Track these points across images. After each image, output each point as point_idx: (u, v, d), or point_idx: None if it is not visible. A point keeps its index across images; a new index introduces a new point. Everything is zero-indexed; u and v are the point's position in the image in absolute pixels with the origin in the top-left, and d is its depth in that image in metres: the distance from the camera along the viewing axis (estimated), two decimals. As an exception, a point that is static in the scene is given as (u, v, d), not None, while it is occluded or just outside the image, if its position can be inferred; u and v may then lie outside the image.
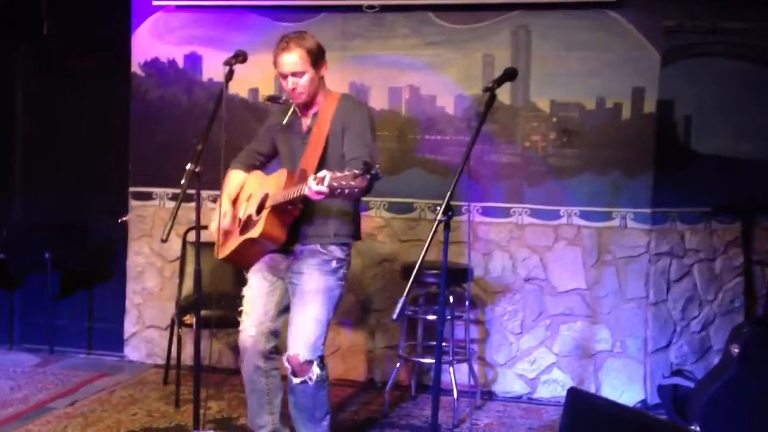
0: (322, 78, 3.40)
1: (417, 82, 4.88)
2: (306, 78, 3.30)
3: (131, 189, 5.30)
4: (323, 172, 2.84)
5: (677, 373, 4.56)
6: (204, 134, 3.18)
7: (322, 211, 3.34)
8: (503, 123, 4.78)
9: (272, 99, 3.32)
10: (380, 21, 4.90)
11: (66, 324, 5.74)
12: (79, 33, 5.61)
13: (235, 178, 3.53)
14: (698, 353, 4.75)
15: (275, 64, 3.34)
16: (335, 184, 2.80)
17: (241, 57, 3.29)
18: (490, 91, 3.10)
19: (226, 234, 3.46)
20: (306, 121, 3.43)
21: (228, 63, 3.25)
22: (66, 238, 5.64)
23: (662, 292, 4.71)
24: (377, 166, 2.79)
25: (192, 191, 3.18)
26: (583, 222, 4.73)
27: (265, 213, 3.25)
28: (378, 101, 4.91)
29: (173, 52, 5.17)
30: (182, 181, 3.04)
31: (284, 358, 3.35)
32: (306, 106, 3.41)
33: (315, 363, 3.31)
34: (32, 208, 5.87)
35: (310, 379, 3.30)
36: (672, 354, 4.73)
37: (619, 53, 4.63)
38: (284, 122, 3.48)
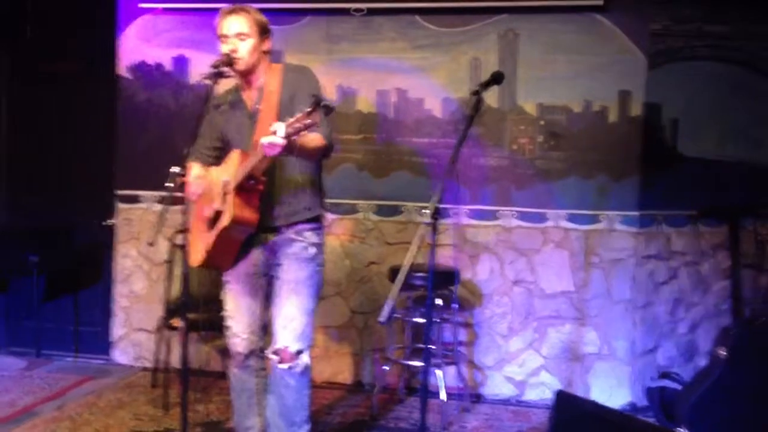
0: (265, 54, 3.26)
1: (405, 85, 4.88)
2: (249, 43, 3.18)
3: (118, 192, 5.28)
4: (275, 124, 2.75)
5: (665, 375, 4.57)
6: (192, 137, 3.16)
7: (289, 184, 3.25)
8: (491, 126, 4.79)
9: (214, 77, 3.13)
10: (368, 24, 4.91)
11: (53, 327, 5.70)
12: (62, 36, 5.58)
13: (194, 173, 3.28)
14: (685, 356, 4.78)
15: (218, 26, 3.21)
16: (290, 129, 2.71)
17: (227, 60, 3.16)
18: (477, 94, 3.10)
19: (195, 239, 3.31)
20: (251, 99, 3.29)
21: (215, 66, 3.14)
22: (52, 241, 5.61)
23: (649, 294, 4.73)
24: (328, 98, 2.71)
25: (179, 194, 3.14)
26: (570, 225, 4.74)
27: (230, 197, 3.12)
28: (366, 104, 4.91)
29: (160, 54, 5.16)
30: (167, 184, 3.01)
31: (269, 351, 3.30)
32: (246, 79, 3.27)
33: (305, 352, 3.27)
34: (17, 212, 5.83)
35: (297, 365, 3.24)
36: (659, 356, 4.75)
37: (605, 56, 4.65)
38: (225, 104, 3.34)
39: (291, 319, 3.25)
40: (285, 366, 3.25)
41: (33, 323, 5.58)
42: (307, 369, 3.29)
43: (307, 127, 2.72)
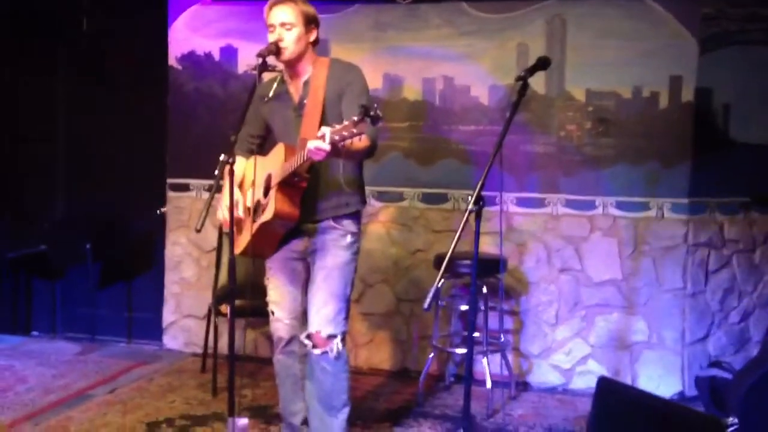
0: (311, 44, 3.28)
1: (451, 73, 4.86)
2: (295, 32, 3.20)
3: (169, 181, 5.38)
4: (323, 129, 2.77)
5: (715, 364, 4.49)
6: (238, 125, 3.19)
7: (331, 182, 3.28)
8: (538, 113, 4.75)
9: (260, 67, 3.16)
10: (414, 12, 4.90)
11: (106, 314, 5.84)
12: (117, 28, 5.69)
13: (238, 164, 3.31)
14: (737, 345, 4.69)
15: (266, 16, 3.24)
16: (337, 137, 2.73)
17: (274, 48, 3.20)
18: (523, 80, 3.06)
19: (238, 226, 3.35)
20: (297, 91, 3.33)
21: (261, 55, 3.15)
22: (106, 229, 5.73)
23: (700, 283, 4.65)
24: (375, 105, 2.71)
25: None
26: (619, 212, 4.68)
27: (273, 192, 3.17)
28: (412, 92, 4.91)
29: (209, 44, 5.22)
30: (216, 172, 3.05)
31: (303, 336, 3.33)
32: (293, 70, 3.30)
33: (338, 337, 3.28)
34: (73, 201, 5.97)
35: (331, 350, 3.25)
36: (710, 345, 4.68)
37: (656, 42, 4.57)
38: (270, 95, 3.37)
39: (324, 303, 3.27)
40: (318, 351, 3.28)
41: (88, 310, 5.72)
42: (341, 354, 3.30)
43: (353, 136, 2.75)
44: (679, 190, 4.59)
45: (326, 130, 2.76)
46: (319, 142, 2.77)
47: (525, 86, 3.07)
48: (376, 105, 2.74)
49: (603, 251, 4.72)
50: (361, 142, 2.96)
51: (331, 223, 3.31)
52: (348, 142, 2.78)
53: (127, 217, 5.75)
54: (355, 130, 2.73)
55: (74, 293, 5.91)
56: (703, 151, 4.57)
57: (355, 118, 2.71)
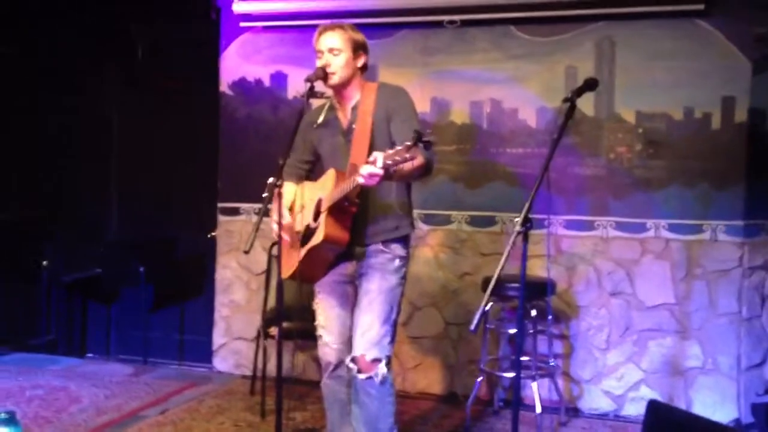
0: (359, 69, 3.32)
1: (498, 96, 4.87)
2: (342, 58, 3.24)
3: (219, 204, 5.45)
4: (374, 154, 2.78)
5: (772, 391, 4.40)
6: (286, 149, 3.23)
7: (381, 206, 3.29)
8: (587, 135, 4.72)
9: (310, 93, 3.21)
10: (461, 36, 4.92)
11: (159, 336, 5.94)
12: (170, 56, 5.83)
13: (288, 189, 3.41)
14: (795, 371, 4.57)
15: (315, 42, 3.29)
16: (389, 161, 2.74)
17: (321, 74, 3.25)
18: (570, 101, 3.05)
19: (287, 250, 3.38)
20: (345, 117, 3.36)
21: (308, 79, 3.21)
22: (158, 253, 5.84)
23: (756, 307, 4.54)
24: (428, 131, 2.72)
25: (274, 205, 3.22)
26: (671, 235, 4.61)
27: (323, 216, 3.19)
28: (459, 115, 4.92)
29: (259, 71, 5.31)
30: (264, 194, 3.10)
31: (348, 360, 3.32)
32: (341, 96, 3.34)
33: (383, 362, 3.25)
34: (127, 224, 6.11)
35: (376, 375, 3.23)
36: (767, 371, 4.55)
37: (707, 62, 4.51)
38: (320, 121, 3.40)
39: (369, 327, 3.26)
40: (363, 376, 3.26)
41: (140, 332, 5.81)
42: (386, 378, 3.27)
43: (405, 161, 2.76)
44: (734, 212, 4.50)
45: (378, 155, 2.77)
46: (371, 167, 2.80)
47: (572, 108, 3.06)
48: (429, 130, 2.76)
49: (655, 275, 4.64)
50: (414, 164, 2.97)
51: (380, 246, 3.31)
52: (403, 167, 2.79)
53: (179, 240, 5.85)
54: (407, 155, 2.74)
55: (128, 316, 6.02)
56: (757, 172, 4.48)
57: (409, 143, 2.73)
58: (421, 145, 2.72)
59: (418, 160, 2.99)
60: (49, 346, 5.97)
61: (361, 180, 2.87)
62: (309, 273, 3.38)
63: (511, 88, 4.83)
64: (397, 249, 3.34)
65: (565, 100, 3.06)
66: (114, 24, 5.88)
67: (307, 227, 3.32)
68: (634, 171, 4.66)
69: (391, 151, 2.76)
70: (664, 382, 4.63)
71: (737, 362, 4.52)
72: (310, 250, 3.26)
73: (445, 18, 4.90)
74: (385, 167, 2.77)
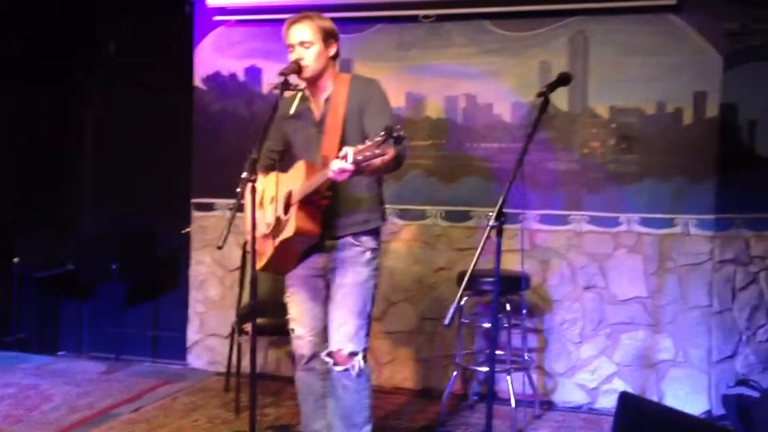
0: (331, 59, 3.30)
1: (474, 91, 4.87)
2: (314, 49, 3.22)
3: (193, 200, 5.41)
4: (345, 149, 2.78)
5: (742, 382, 4.44)
6: (259, 143, 3.21)
7: (352, 200, 3.29)
8: (561, 130, 4.74)
9: (282, 86, 3.19)
10: (437, 31, 4.91)
11: (132, 333, 5.89)
12: (143, 51, 5.78)
13: (258, 182, 3.35)
14: (765, 363, 4.60)
15: (285, 37, 3.27)
16: (359, 157, 2.74)
17: (296, 67, 3.22)
18: (544, 95, 3.06)
19: (259, 243, 3.37)
20: (318, 108, 3.34)
21: (283, 73, 3.20)
22: (133, 249, 5.79)
23: (727, 300, 4.59)
24: (398, 126, 2.71)
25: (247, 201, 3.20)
26: (643, 229, 4.65)
27: (293, 209, 3.18)
28: (435, 110, 4.92)
29: (234, 65, 5.28)
30: (238, 189, 3.08)
31: (324, 354, 3.32)
32: (314, 87, 3.32)
33: (359, 354, 3.26)
34: (101, 219, 6.06)
35: (353, 368, 3.23)
36: (738, 364, 4.60)
37: (679, 57, 4.55)
38: (291, 112, 3.37)
39: (344, 321, 3.26)
40: (340, 368, 3.27)
41: (114, 329, 5.76)
42: (363, 371, 3.28)
43: (375, 157, 2.76)
44: (705, 207, 4.54)
45: (349, 151, 2.77)
46: (341, 162, 2.79)
47: (546, 102, 3.07)
48: (399, 126, 2.75)
49: (628, 268, 4.68)
50: (385, 158, 2.96)
51: (351, 240, 3.31)
52: (374, 162, 2.79)
53: (153, 236, 5.80)
54: (377, 151, 2.74)
55: (101, 312, 5.97)
56: (728, 167, 4.52)
57: (378, 139, 2.73)
58: (391, 140, 2.72)
59: (389, 155, 2.99)
60: (21, 343, 5.90)
61: (331, 175, 2.87)
62: (281, 264, 3.39)
63: (486, 82, 4.84)
64: (368, 241, 3.34)
65: (539, 94, 3.08)
66: (87, 17, 5.82)
67: (278, 219, 3.30)
68: (608, 165, 4.69)
69: (361, 147, 2.76)
70: (637, 374, 4.67)
71: (708, 355, 4.57)
72: (282, 242, 3.25)
73: (421, 13, 4.89)
74: (356, 163, 2.77)
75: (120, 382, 5.08)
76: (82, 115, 6.05)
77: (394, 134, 2.71)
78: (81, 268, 5.78)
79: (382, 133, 2.72)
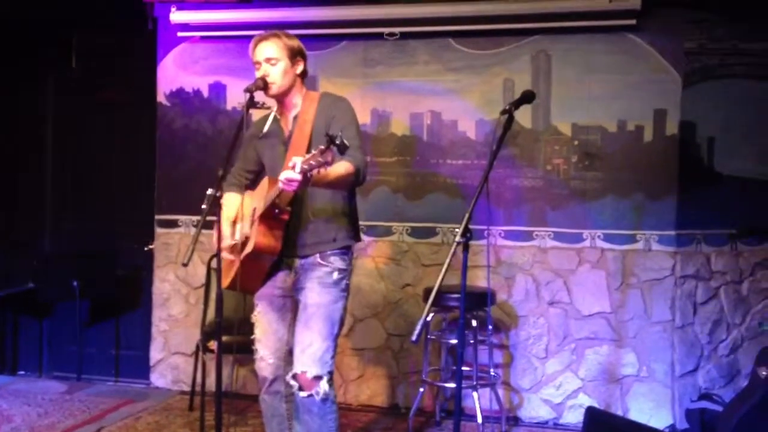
0: (299, 77, 3.32)
1: (438, 108, 4.91)
2: (280, 66, 3.23)
3: (157, 217, 5.37)
4: (293, 159, 2.78)
5: (705, 397, 4.50)
6: (225, 160, 3.20)
7: (316, 214, 3.27)
8: (525, 147, 4.79)
9: (250, 103, 3.20)
10: (402, 48, 4.95)
11: (94, 352, 5.79)
12: (106, 67, 5.72)
13: (231, 200, 3.39)
14: (727, 377, 4.68)
15: (251, 54, 3.28)
16: (305, 166, 2.73)
17: (261, 84, 3.22)
18: (508, 113, 3.09)
19: (227, 262, 3.35)
20: (287, 126, 3.35)
21: (248, 90, 3.17)
22: (94, 266, 5.69)
23: (689, 315, 4.66)
24: (340, 134, 2.72)
25: (214, 217, 3.19)
26: (606, 245, 4.70)
27: (255, 225, 3.18)
28: (400, 127, 4.95)
29: (198, 81, 5.26)
30: (203, 206, 3.06)
31: (289, 377, 3.27)
32: (282, 105, 3.33)
33: (324, 378, 3.21)
34: (61, 237, 5.95)
35: (317, 393, 3.18)
36: (700, 378, 4.67)
37: (639, 76, 4.63)
38: (264, 130, 3.37)
39: (309, 343, 3.21)
40: (304, 394, 3.21)
41: (75, 348, 5.66)
42: (327, 395, 3.22)
43: (321, 165, 2.75)
44: (666, 223, 4.62)
45: (297, 160, 2.77)
46: (289, 172, 2.79)
47: (510, 119, 3.10)
48: (340, 134, 2.75)
49: (591, 284, 4.73)
50: (339, 170, 2.98)
51: (318, 259, 3.28)
52: (320, 171, 2.79)
53: (115, 253, 5.72)
54: (321, 159, 2.73)
55: (61, 331, 5.86)
56: (688, 183, 4.60)
57: (322, 147, 2.73)
58: (334, 148, 2.72)
59: (345, 167, 3.01)
60: (-21, 363, 5.78)
61: (280, 185, 2.86)
62: (247, 282, 3.34)
63: (451, 100, 4.88)
64: (336, 261, 3.30)
65: (503, 112, 3.11)
66: (48, 31, 5.75)
67: (245, 237, 3.29)
68: (571, 182, 4.74)
69: (307, 156, 2.76)
70: (602, 389, 4.71)
71: (671, 369, 4.63)
72: (244, 258, 3.24)
73: (386, 30, 4.92)
74: (302, 172, 2.76)
75: (82, 402, 4.99)
76: (42, 130, 5.96)
77: (337, 141, 2.71)
78: (41, 285, 5.67)
79: (325, 141, 2.72)
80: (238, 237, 3.33)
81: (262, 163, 3.48)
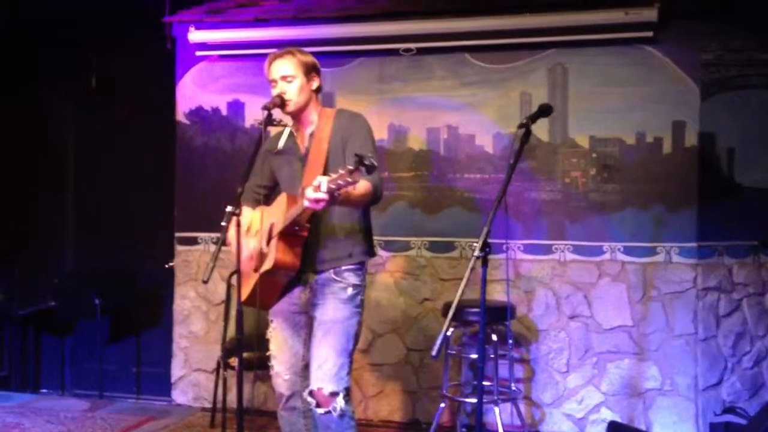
0: (314, 93, 3.33)
1: (455, 122, 4.91)
2: (296, 84, 3.25)
3: (177, 234, 5.39)
4: (318, 178, 2.78)
5: (729, 410, 4.45)
6: (244, 177, 3.22)
7: (334, 231, 3.28)
8: (542, 160, 4.78)
9: (268, 121, 3.21)
10: (418, 63, 4.96)
11: (115, 369, 5.83)
12: (125, 86, 5.79)
13: (244, 214, 3.33)
14: (751, 390, 4.63)
15: (267, 72, 3.30)
16: (332, 185, 2.73)
17: (279, 101, 3.24)
18: (525, 127, 3.10)
19: (244, 277, 3.33)
20: (303, 143, 3.36)
21: (266, 107, 3.19)
22: (115, 284, 5.74)
23: (711, 327, 4.62)
24: (369, 155, 2.70)
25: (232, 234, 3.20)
26: (626, 257, 4.68)
27: (273, 241, 3.18)
28: (417, 142, 4.96)
29: (216, 100, 5.30)
30: (222, 223, 3.08)
31: (306, 393, 3.27)
32: (299, 121, 3.35)
33: (340, 395, 3.20)
34: (82, 255, 6.01)
35: (334, 410, 3.17)
36: (724, 391, 4.62)
37: (657, 88, 4.62)
38: (279, 147, 3.39)
39: (325, 359, 3.21)
40: (322, 411, 3.21)
41: (96, 365, 5.70)
42: (345, 411, 3.21)
43: (348, 185, 2.75)
44: (687, 235, 4.59)
45: (322, 180, 2.77)
46: (315, 191, 2.79)
47: (527, 133, 3.11)
48: (370, 154, 2.73)
49: (612, 297, 4.70)
50: (360, 189, 2.98)
51: (332, 275, 3.28)
52: (344, 190, 2.80)
53: (135, 271, 5.77)
54: (350, 179, 2.73)
55: (83, 349, 5.90)
56: (709, 195, 4.57)
57: (350, 167, 2.73)
58: (363, 168, 2.72)
59: (364, 186, 3.01)
60: (2, 381, 5.82)
61: (306, 204, 2.86)
62: (264, 298, 3.34)
63: (467, 114, 4.88)
64: (351, 277, 3.30)
65: (521, 125, 3.11)
66: (68, 52, 5.83)
67: (260, 252, 3.30)
68: (590, 195, 4.73)
69: (334, 176, 2.76)
70: (624, 403, 4.67)
71: (695, 382, 4.59)
72: (263, 275, 3.24)
73: (401, 46, 4.94)
74: (329, 191, 2.76)
75: (104, 420, 5.01)
76: (63, 149, 6.03)
77: (366, 162, 2.69)
78: (62, 304, 5.72)
79: (354, 162, 2.72)
80: (254, 252, 3.34)
81: (276, 179, 3.50)
